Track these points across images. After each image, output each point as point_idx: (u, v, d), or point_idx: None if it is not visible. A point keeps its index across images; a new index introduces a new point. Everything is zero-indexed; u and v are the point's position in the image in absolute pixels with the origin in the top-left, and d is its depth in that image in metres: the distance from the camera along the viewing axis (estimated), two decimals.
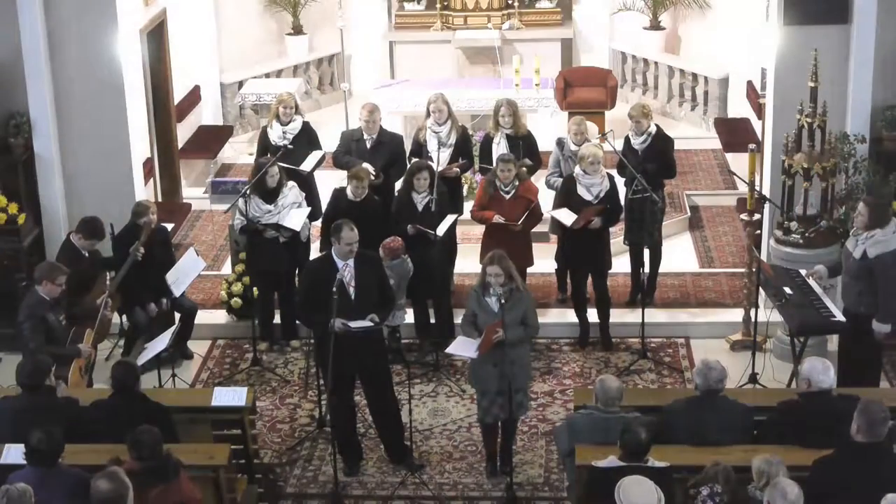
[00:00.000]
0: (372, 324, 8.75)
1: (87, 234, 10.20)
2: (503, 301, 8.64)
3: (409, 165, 11.12)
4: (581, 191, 10.62)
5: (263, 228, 10.66)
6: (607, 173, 10.75)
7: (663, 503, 6.51)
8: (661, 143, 11.21)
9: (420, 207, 10.54)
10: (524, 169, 10.98)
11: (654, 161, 11.03)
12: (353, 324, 8.65)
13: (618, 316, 11.24)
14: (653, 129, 11.27)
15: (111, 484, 6.50)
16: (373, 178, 11.20)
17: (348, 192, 10.58)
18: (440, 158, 11.23)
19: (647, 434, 7.02)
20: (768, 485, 6.58)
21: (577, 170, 10.69)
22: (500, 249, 9.03)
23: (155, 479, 6.92)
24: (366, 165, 10.98)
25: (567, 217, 10.64)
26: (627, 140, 11.34)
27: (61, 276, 9.40)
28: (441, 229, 10.57)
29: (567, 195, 10.76)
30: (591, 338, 11.07)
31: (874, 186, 10.57)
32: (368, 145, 11.38)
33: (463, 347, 8.86)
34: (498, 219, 10.59)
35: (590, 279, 10.94)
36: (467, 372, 9.61)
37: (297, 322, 10.97)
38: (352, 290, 8.78)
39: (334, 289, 8.65)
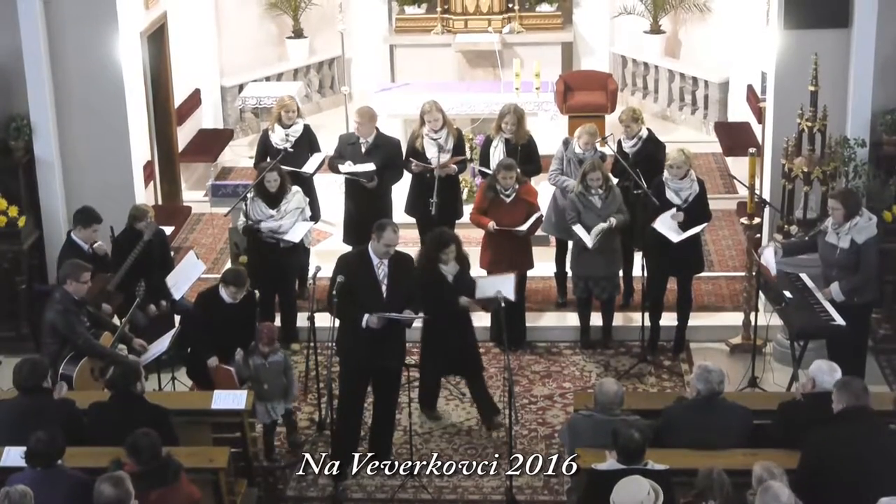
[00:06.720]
0: (407, 317, 8.85)
1: (84, 222, 10.13)
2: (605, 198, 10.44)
3: (406, 173, 11.43)
4: (670, 195, 10.53)
5: (264, 234, 10.65)
6: (697, 177, 10.67)
7: (661, 501, 6.49)
8: (652, 146, 11.21)
9: (450, 278, 9.70)
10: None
11: (642, 165, 10.96)
12: (389, 315, 8.77)
13: (617, 319, 11.25)
14: (644, 133, 11.27)
15: (115, 490, 6.49)
16: (367, 182, 11.23)
17: (223, 294, 9.40)
18: (441, 163, 11.28)
19: (640, 434, 7.02)
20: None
21: (666, 174, 10.63)
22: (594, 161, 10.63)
23: (155, 482, 6.93)
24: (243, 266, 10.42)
25: (670, 228, 10.44)
26: (620, 144, 11.35)
27: (86, 274, 9.27)
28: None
29: (657, 199, 10.60)
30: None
31: (874, 190, 10.58)
32: (363, 149, 11.38)
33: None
34: (492, 226, 10.56)
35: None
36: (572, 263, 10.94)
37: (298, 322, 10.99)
38: (384, 287, 8.85)
39: (334, 291, 8.76)
